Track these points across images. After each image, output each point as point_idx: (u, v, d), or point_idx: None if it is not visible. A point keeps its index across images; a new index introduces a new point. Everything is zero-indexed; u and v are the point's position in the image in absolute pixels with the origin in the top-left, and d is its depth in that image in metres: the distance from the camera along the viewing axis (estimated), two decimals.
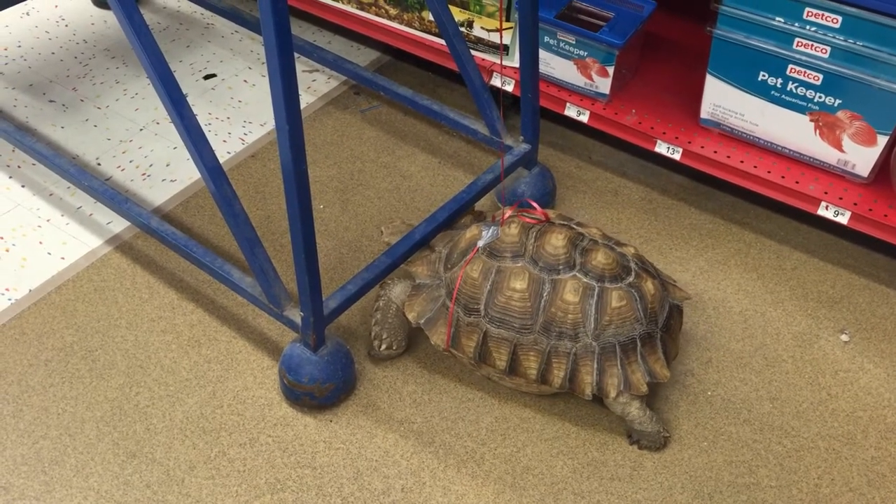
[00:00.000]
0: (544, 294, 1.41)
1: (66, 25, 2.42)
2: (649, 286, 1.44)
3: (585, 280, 1.41)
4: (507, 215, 1.50)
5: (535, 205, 1.53)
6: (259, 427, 1.49)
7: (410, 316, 1.49)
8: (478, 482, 1.42)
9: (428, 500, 1.40)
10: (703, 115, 1.83)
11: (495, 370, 1.46)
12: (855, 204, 1.69)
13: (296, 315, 1.46)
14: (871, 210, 1.68)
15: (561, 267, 1.42)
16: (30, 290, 1.70)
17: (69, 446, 1.45)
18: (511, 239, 1.45)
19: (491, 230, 1.47)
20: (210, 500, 1.38)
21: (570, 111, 1.93)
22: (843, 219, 1.69)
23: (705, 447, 1.48)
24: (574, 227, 1.49)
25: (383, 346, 1.55)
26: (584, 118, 1.91)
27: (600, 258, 1.42)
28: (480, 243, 1.47)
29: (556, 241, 1.43)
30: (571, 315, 1.40)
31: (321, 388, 1.47)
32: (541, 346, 1.41)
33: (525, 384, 1.47)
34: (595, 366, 1.41)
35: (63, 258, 1.76)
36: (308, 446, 1.46)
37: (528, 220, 1.49)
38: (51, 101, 2.16)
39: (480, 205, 1.89)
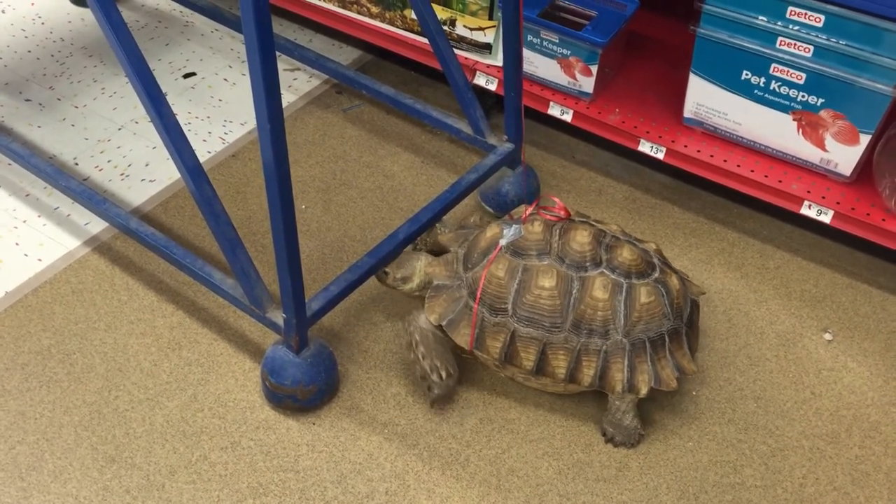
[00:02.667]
0: (573, 292, 1.39)
1: (43, 23, 2.39)
2: (674, 281, 1.44)
3: (613, 276, 1.39)
4: (527, 213, 1.47)
5: (557, 200, 1.49)
6: (241, 430, 1.47)
7: (432, 317, 1.45)
8: (462, 484, 1.41)
9: (412, 503, 1.38)
10: (687, 114, 1.83)
11: (521, 370, 1.43)
12: (837, 203, 1.69)
13: (278, 317, 1.44)
14: (853, 209, 1.68)
15: (588, 264, 1.40)
16: (6, 293, 1.67)
17: (47, 451, 1.42)
18: (536, 237, 1.43)
19: (513, 228, 1.45)
20: None
21: (554, 110, 1.92)
22: (826, 217, 1.69)
23: (690, 447, 1.48)
24: (594, 223, 1.48)
25: (443, 374, 1.44)
26: (568, 117, 1.91)
27: (626, 254, 1.41)
28: (503, 242, 1.44)
29: (582, 238, 1.41)
30: (601, 312, 1.38)
31: (304, 391, 1.45)
32: (571, 345, 1.39)
33: (551, 384, 1.45)
34: (626, 363, 1.39)
35: (40, 260, 1.73)
36: (291, 449, 1.44)
37: (548, 217, 1.47)
38: (27, 100, 2.12)
39: (464, 205, 1.88)
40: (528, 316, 1.40)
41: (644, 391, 1.40)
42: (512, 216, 1.51)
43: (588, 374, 1.40)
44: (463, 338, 1.43)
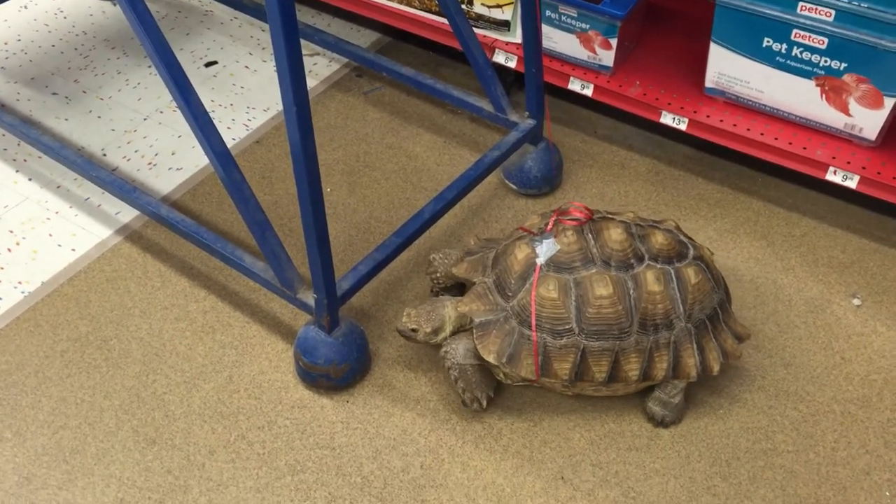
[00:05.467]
0: (630, 292, 1.36)
1: (65, 17, 2.42)
2: (707, 253, 1.45)
3: (660, 266, 1.38)
4: (550, 226, 1.42)
5: (576, 203, 1.44)
6: (277, 410, 1.49)
7: (490, 358, 1.38)
8: (496, 457, 1.43)
9: (447, 476, 1.40)
10: (708, 83, 1.83)
11: (592, 384, 1.40)
12: (863, 168, 1.69)
13: (309, 297, 1.46)
14: (879, 173, 1.68)
15: (632, 261, 1.37)
16: (42, 283, 1.70)
17: (89, 435, 1.46)
18: (573, 247, 1.38)
19: (545, 245, 1.39)
20: (231, 484, 1.39)
21: (574, 85, 1.92)
22: (852, 183, 1.69)
23: (721, 415, 1.49)
24: (613, 216, 1.44)
25: (483, 403, 1.44)
26: (588, 91, 1.91)
27: (661, 240, 1.39)
28: (540, 261, 1.38)
29: (618, 236, 1.38)
30: (661, 304, 1.36)
31: (337, 370, 1.48)
32: (642, 345, 1.37)
33: (623, 387, 1.42)
34: (694, 346, 1.39)
35: (74, 249, 1.77)
36: (326, 427, 1.47)
37: (568, 222, 1.41)
38: (53, 94, 2.15)
39: (486, 182, 1.89)
40: (596, 330, 1.35)
41: (717, 369, 1.40)
42: (530, 230, 1.45)
43: (662, 368, 1.39)
44: (527, 369, 1.38)
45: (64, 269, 1.72)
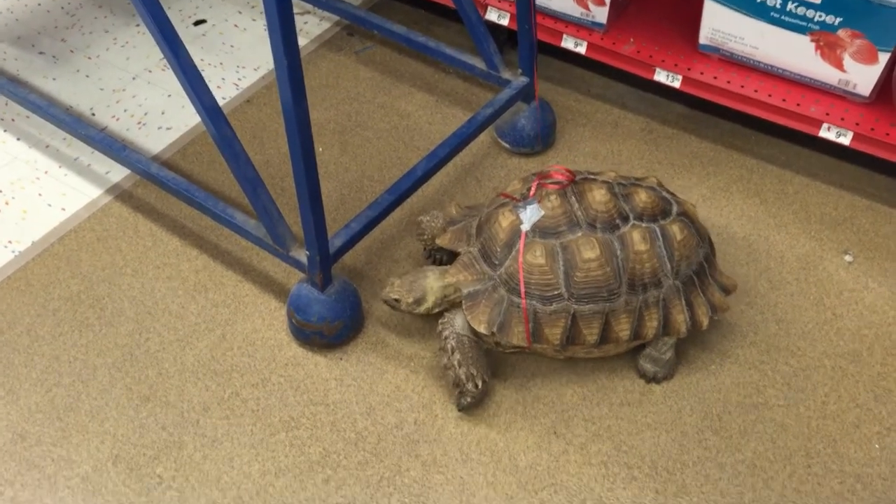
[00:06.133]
0: (617, 253, 1.35)
1: None
2: (690, 208, 1.44)
3: (645, 225, 1.37)
4: (533, 191, 1.40)
5: (558, 167, 1.42)
6: (270, 367, 1.50)
7: (481, 327, 1.36)
8: (489, 413, 1.44)
9: (440, 431, 1.41)
10: (702, 40, 1.81)
11: (584, 347, 1.40)
12: (857, 124, 1.68)
13: (301, 255, 1.46)
14: (872, 129, 1.67)
15: (618, 221, 1.37)
16: (32, 242, 1.69)
17: (83, 392, 1.46)
18: (557, 211, 1.36)
19: (529, 210, 1.37)
20: (226, 440, 1.40)
21: (568, 43, 1.90)
22: (845, 139, 1.68)
23: (713, 370, 1.50)
24: (595, 177, 1.43)
25: (479, 383, 1.39)
26: (582, 49, 1.89)
27: (644, 198, 1.38)
28: (525, 227, 1.36)
29: (602, 197, 1.37)
30: (648, 264, 1.36)
31: (330, 327, 1.48)
32: (632, 306, 1.36)
33: (614, 348, 1.43)
34: (683, 302, 1.39)
35: (63, 209, 1.75)
36: (320, 384, 1.47)
37: (551, 186, 1.39)
38: (41, 53, 2.13)
39: (479, 141, 1.88)
40: (585, 293, 1.34)
41: (706, 323, 1.40)
42: (511, 196, 1.43)
43: (652, 326, 1.39)
44: (518, 337, 1.37)
45: (54, 229, 1.71)
